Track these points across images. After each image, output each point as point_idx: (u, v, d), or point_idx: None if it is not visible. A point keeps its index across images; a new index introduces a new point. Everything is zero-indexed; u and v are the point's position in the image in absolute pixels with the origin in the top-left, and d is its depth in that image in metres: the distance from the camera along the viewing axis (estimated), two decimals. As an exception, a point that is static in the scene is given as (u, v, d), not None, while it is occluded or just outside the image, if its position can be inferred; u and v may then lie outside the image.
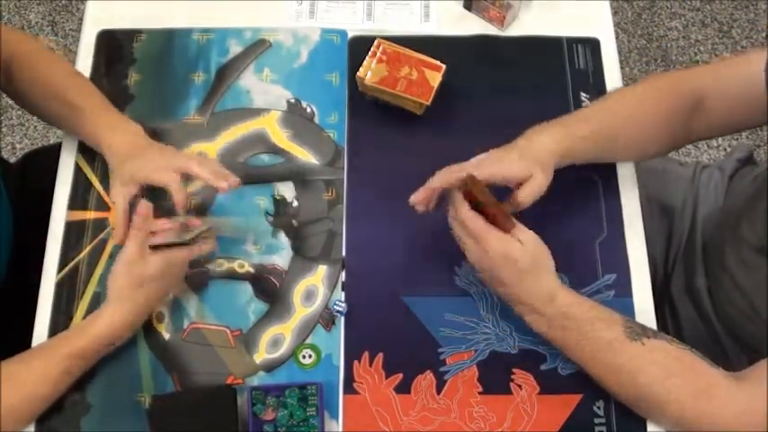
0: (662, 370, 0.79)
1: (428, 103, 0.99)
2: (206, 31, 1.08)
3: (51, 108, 0.95)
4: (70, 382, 0.85)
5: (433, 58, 1.04)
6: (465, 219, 0.83)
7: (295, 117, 1.03)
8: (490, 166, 0.85)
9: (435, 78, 0.99)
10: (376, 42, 1.01)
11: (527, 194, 0.85)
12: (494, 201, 0.82)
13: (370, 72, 1.00)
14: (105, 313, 0.85)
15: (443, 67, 1.00)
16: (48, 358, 0.83)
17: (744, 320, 0.93)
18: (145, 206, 0.86)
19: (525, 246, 0.82)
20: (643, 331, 0.81)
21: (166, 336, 0.91)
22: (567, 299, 0.83)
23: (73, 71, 0.98)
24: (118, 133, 0.93)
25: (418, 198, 0.87)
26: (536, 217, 0.96)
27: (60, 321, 0.91)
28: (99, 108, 0.95)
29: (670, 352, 0.80)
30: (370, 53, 1.01)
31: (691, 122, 0.92)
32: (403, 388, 0.89)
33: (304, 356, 0.90)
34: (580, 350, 0.82)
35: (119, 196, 0.90)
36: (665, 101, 0.92)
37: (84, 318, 0.90)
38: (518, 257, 0.81)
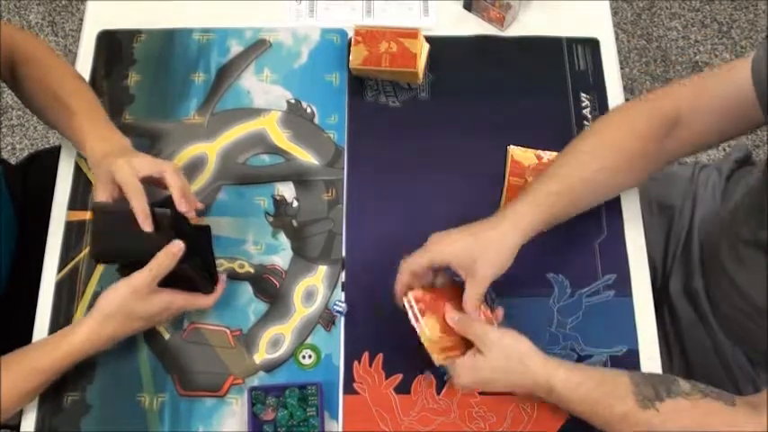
0: (679, 429, 0.76)
1: (416, 70, 1.00)
2: (206, 31, 1.09)
3: (46, 107, 0.94)
4: (38, 393, 0.85)
5: (434, 57, 1.04)
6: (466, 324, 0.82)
7: (295, 117, 1.03)
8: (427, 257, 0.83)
9: (415, 45, 1.01)
10: (354, 30, 1.03)
11: (469, 298, 0.82)
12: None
13: (351, 56, 1.01)
14: (84, 329, 0.83)
15: (419, 31, 1.02)
16: (18, 373, 0.82)
17: (742, 319, 0.94)
18: (177, 246, 0.82)
19: (493, 346, 0.80)
20: (655, 394, 0.77)
21: (166, 336, 0.91)
22: (567, 384, 0.79)
23: (73, 73, 0.97)
24: (102, 140, 0.90)
25: (399, 296, 0.85)
26: (536, 217, 0.97)
27: (60, 321, 0.91)
28: (90, 112, 0.93)
29: (685, 411, 0.76)
30: (352, 42, 1.03)
31: (670, 143, 0.89)
32: (403, 388, 0.89)
33: (304, 357, 0.90)
34: (594, 422, 0.80)
35: (101, 197, 0.86)
36: (642, 129, 0.88)
37: (75, 315, 0.91)
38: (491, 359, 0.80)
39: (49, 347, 0.83)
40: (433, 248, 0.83)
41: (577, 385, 0.79)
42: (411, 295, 0.83)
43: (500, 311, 0.86)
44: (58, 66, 0.96)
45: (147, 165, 0.86)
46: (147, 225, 0.82)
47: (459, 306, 0.84)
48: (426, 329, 0.81)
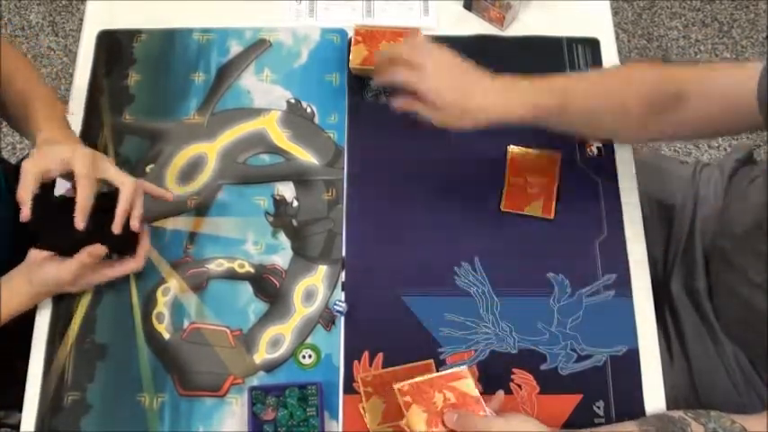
0: None
1: None
2: (206, 31, 1.09)
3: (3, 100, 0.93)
4: None
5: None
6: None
7: (295, 117, 1.03)
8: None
9: None
10: (354, 30, 1.03)
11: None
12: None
13: (351, 56, 1.01)
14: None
15: (419, 30, 1.01)
16: None
17: (743, 322, 0.94)
18: (100, 249, 0.85)
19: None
20: None
21: (166, 336, 0.91)
22: None
23: (26, 64, 0.96)
24: (59, 132, 0.90)
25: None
26: (536, 217, 0.97)
27: (60, 321, 0.91)
28: (46, 104, 0.92)
29: None
30: (352, 42, 1.03)
31: (667, 117, 0.89)
32: (403, 388, 0.89)
33: (304, 356, 0.90)
34: None
35: (34, 167, 0.81)
36: (647, 93, 0.88)
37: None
38: None
39: None
40: None
41: None
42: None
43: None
44: (10, 55, 0.94)
45: (111, 173, 0.85)
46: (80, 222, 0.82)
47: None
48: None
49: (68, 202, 0.82)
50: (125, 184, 0.85)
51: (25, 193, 0.80)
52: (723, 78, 0.86)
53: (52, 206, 0.85)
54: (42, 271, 0.85)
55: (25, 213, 0.81)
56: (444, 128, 0.87)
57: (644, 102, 0.87)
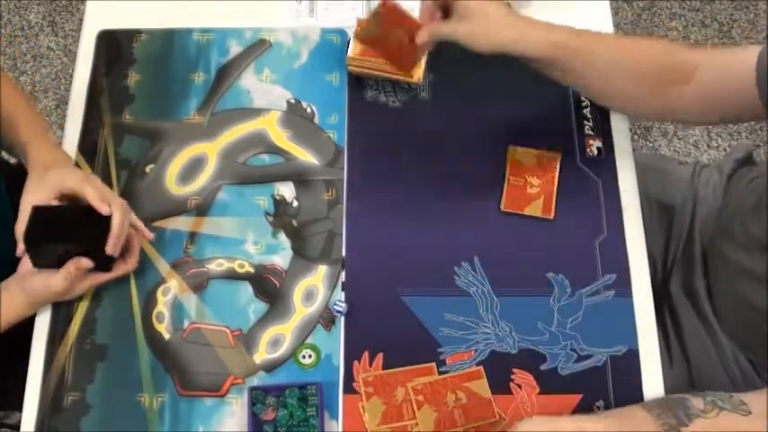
0: None
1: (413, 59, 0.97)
2: (206, 31, 1.09)
3: None
4: None
5: (434, 57, 1.04)
6: None
7: (295, 117, 1.03)
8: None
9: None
10: (358, 22, 0.97)
11: (427, 32, 0.90)
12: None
13: (350, 45, 1.00)
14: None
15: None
16: None
17: (743, 322, 0.94)
18: (86, 263, 0.86)
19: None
20: (677, 420, 0.77)
21: (166, 336, 0.91)
22: (597, 424, 0.79)
23: (9, 81, 0.97)
24: (48, 150, 0.93)
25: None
26: (536, 217, 0.97)
27: (60, 321, 0.92)
28: (33, 123, 0.96)
29: (709, 430, 0.77)
30: (353, 35, 1.00)
31: (674, 89, 0.89)
32: (403, 388, 0.89)
33: (304, 356, 0.90)
34: None
35: (28, 204, 0.86)
36: (658, 59, 0.90)
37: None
38: None
39: None
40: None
41: (605, 426, 0.79)
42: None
43: None
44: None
45: (99, 192, 0.87)
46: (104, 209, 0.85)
47: None
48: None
49: (50, 213, 0.85)
50: (116, 208, 0.86)
51: (23, 228, 0.84)
52: (728, 55, 0.87)
53: (39, 223, 0.85)
54: (33, 282, 0.87)
55: (20, 250, 0.84)
56: (463, 45, 0.89)
57: (656, 66, 0.89)
